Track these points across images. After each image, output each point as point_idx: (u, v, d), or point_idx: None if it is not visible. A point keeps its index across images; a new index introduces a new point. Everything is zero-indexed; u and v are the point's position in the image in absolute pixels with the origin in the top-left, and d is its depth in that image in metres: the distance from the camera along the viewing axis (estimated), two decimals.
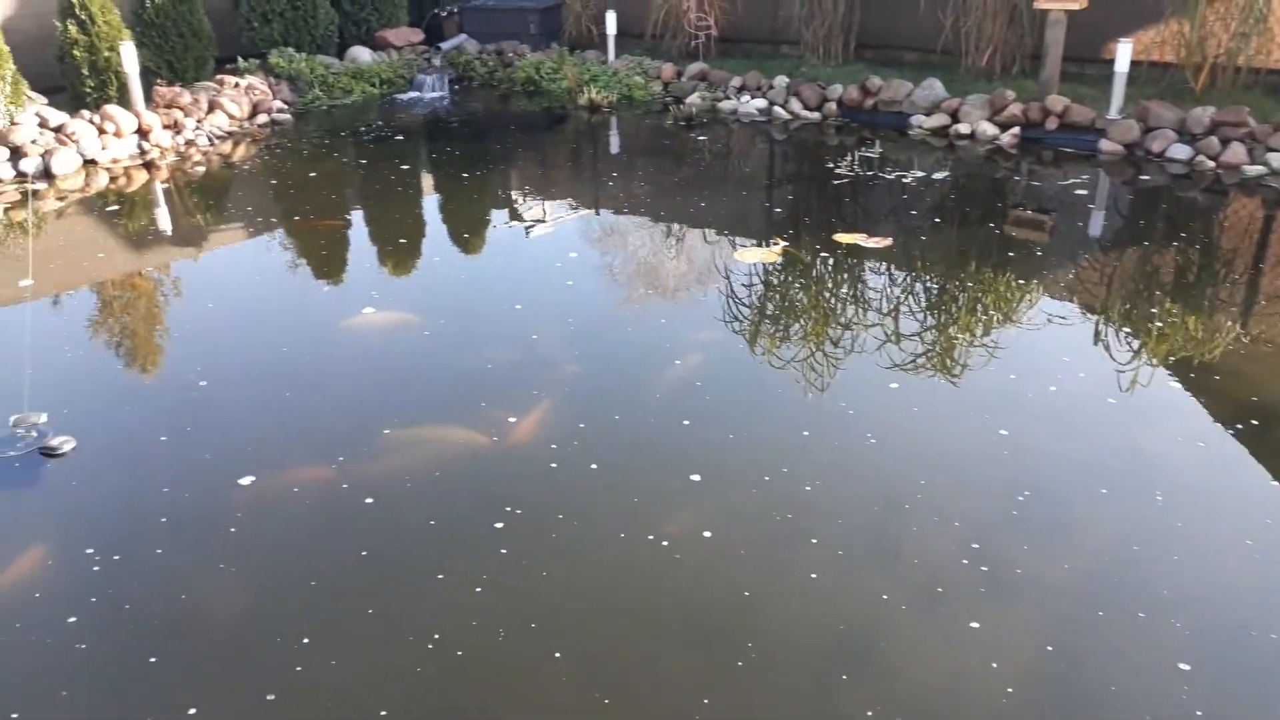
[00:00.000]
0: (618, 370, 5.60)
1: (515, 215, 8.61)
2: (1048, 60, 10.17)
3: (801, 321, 6.25)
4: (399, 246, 7.83)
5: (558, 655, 3.47)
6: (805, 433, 4.85)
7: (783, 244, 7.41)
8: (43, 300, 6.69)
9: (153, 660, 3.50)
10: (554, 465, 4.58)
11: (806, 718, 3.21)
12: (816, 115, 11.19)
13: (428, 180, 9.71)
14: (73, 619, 3.69)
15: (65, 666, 3.48)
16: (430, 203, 9.05)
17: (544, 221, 8.40)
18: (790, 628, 3.60)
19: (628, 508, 4.27)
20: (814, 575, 3.85)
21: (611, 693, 3.31)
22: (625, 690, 3.33)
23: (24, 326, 6.32)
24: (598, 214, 8.62)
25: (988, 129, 10.13)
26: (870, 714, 3.20)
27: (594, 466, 4.56)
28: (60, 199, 8.78)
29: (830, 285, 6.89)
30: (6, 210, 8.29)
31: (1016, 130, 10.01)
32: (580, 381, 5.41)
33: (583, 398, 5.22)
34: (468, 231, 8.35)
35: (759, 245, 7.48)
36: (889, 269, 6.98)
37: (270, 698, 3.32)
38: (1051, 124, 9.96)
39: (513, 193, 9.37)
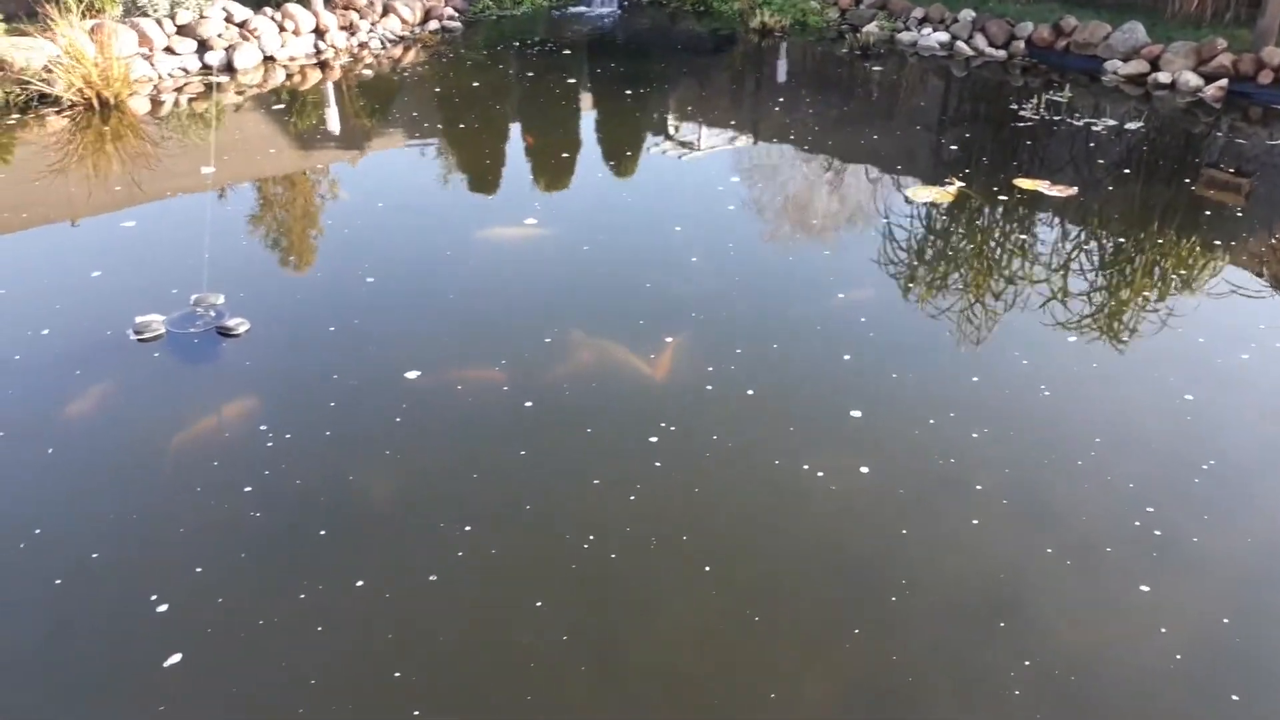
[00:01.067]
0: (775, 299, 5.60)
1: (672, 139, 8.61)
2: (1269, 7, 9.44)
3: (963, 270, 6.08)
4: (559, 161, 7.95)
5: (707, 569, 3.56)
6: (974, 378, 4.76)
7: (959, 184, 7.20)
8: (221, 189, 7.10)
9: (322, 533, 3.75)
10: (709, 387, 4.64)
11: (954, 664, 3.22)
12: (1002, 53, 10.73)
13: (588, 97, 9.78)
14: (248, 488, 3.98)
15: (242, 531, 3.77)
16: (589, 120, 9.12)
17: (700, 148, 8.37)
18: (944, 572, 3.59)
19: (783, 435, 4.31)
20: (974, 521, 3.82)
21: (760, 611, 3.38)
22: (773, 611, 3.40)
23: (204, 212, 6.73)
24: (757, 143, 8.54)
25: (1190, 79, 9.52)
26: (1027, 663, 3.18)
27: (750, 392, 4.60)
28: (239, 93, 9.25)
29: (999, 233, 6.67)
30: (190, 101, 8.80)
31: (1223, 83, 9.38)
32: (737, 307, 5.44)
33: (740, 323, 5.25)
34: (627, 151, 8.40)
35: (934, 185, 7.27)
36: (1062, 222, 6.70)
37: (432, 578, 3.53)
38: (1265, 78, 9.29)
39: (672, 115, 9.35)
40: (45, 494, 3.97)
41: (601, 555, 3.62)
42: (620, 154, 8.34)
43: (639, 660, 3.22)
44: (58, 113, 8.29)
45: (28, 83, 8.18)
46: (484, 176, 7.62)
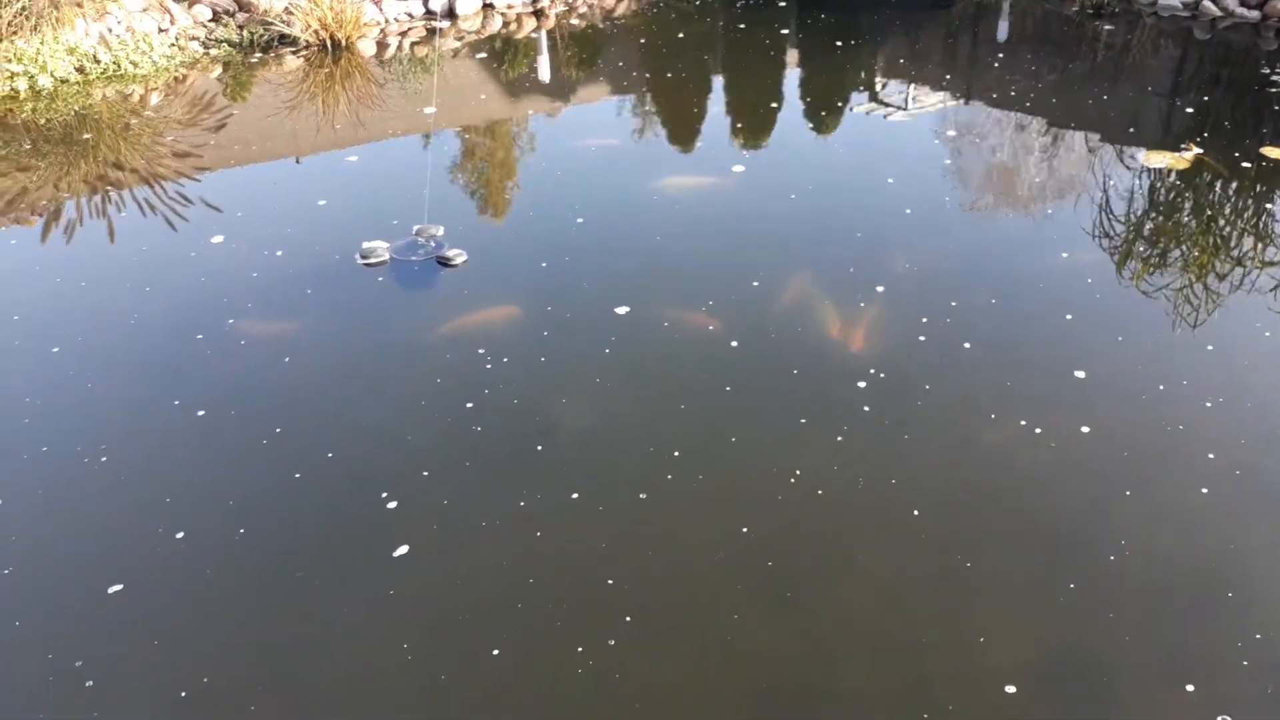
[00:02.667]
0: (989, 258, 5.49)
1: (879, 98, 8.47)
2: None
3: (1186, 246, 5.75)
4: (760, 116, 7.98)
5: (915, 513, 3.59)
6: (1209, 347, 4.56)
7: (1196, 150, 6.81)
8: (440, 129, 7.51)
9: (539, 449, 3.99)
10: (922, 338, 4.62)
11: (1170, 634, 3.14)
12: (1255, 14, 9.96)
13: (794, 51, 9.74)
14: (469, 405, 4.26)
15: (464, 442, 4.05)
16: (793, 75, 9.09)
17: (909, 108, 8.20)
18: (1167, 537, 3.49)
19: (1002, 391, 4.26)
20: (1204, 490, 3.68)
21: (964, 565, 3.39)
22: (978, 567, 3.40)
23: (424, 150, 7.15)
24: (969, 104, 8.29)
25: None
26: (1258, 637, 3.07)
27: (967, 345, 4.56)
28: (459, 38, 9.71)
29: (1229, 209, 6.26)
30: (413, 45, 9.32)
31: None
32: (950, 261, 5.37)
33: (954, 278, 5.18)
34: (831, 108, 8.33)
35: (1168, 150, 6.90)
36: None
37: (642, 496, 3.70)
38: None
39: (880, 73, 9.19)
40: (284, 399, 4.37)
41: (809, 491, 3.70)
42: (824, 111, 8.29)
43: (832, 601, 3.30)
44: (294, 53, 8.94)
45: (270, 24, 8.87)
46: (685, 128, 7.74)
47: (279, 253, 5.59)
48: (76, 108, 7.67)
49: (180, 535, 3.60)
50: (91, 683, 3.05)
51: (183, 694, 3.02)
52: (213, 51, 8.78)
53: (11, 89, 7.68)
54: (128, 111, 7.72)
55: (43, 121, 7.42)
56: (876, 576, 3.37)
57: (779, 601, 3.27)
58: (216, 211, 6.16)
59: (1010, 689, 2.96)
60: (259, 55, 8.87)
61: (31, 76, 7.76)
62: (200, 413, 4.26)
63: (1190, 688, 2.95)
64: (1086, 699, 2.94)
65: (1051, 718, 2.89)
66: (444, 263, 5.47)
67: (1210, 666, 3.02)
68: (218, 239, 5.78)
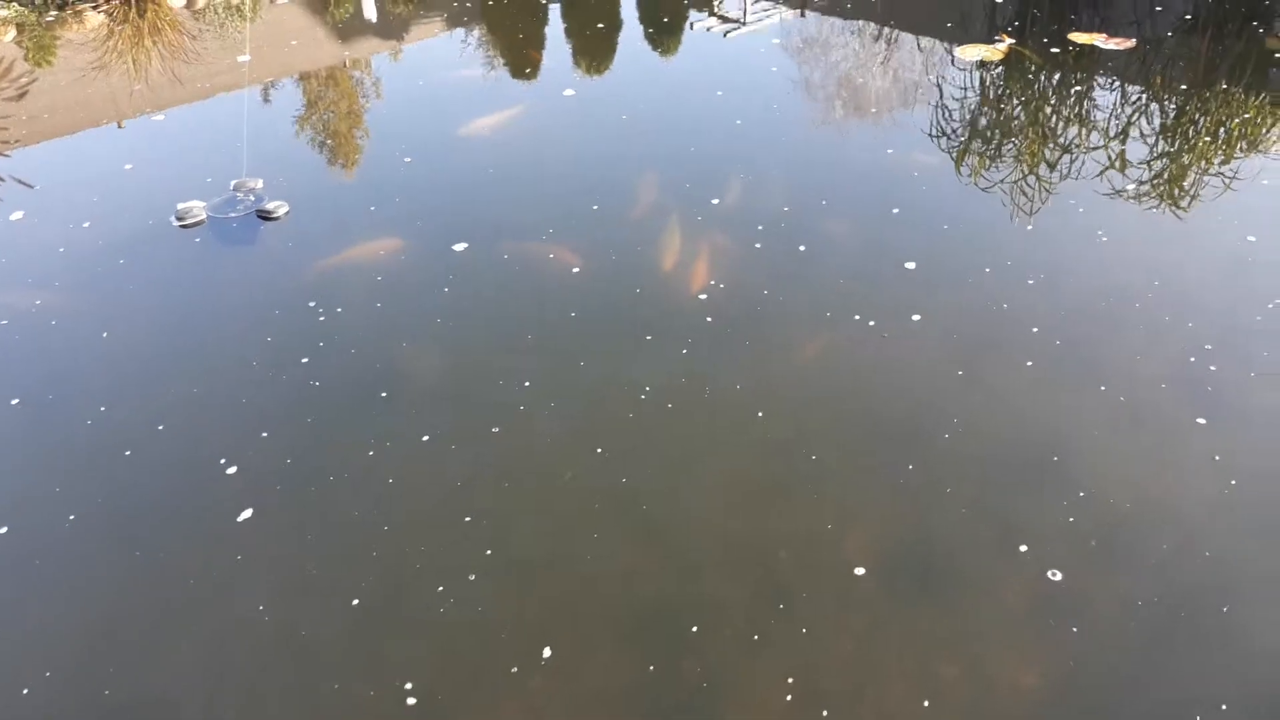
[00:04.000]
0: (824, 164, 5.55)
1: (717, 13, 8.42)
2: None
3: (1016, 139, 5.93)
4: (597, 42, 7.84)
5: (760, 415, 3.65)
6: (1029, 228, 4.73)
7: (1009, 41, 7.00)
8: (257, 80, 7.14)
9: (383, 395, 3.89)
10: (758, 245, 4.66)
11: (1007, 503, 3.28)
12: None
13: None
14: (304, 360, 4.11)
15: (303, 398, 3.91)
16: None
17: (746, 22, 8.18)
18: (996, 416, 3.64)
19: (836, 289, 4.34)
20: (1029, 364, 3.84)
21: (812, 450, 3.46)
22: (822, 452, 3.48)
23: (240, 104, 6.79)
24: (803, 14, 8.32)
25: None
26: (1081, 494, 3.24)
27: (802, 248, 4.61)
28: None
29: (1054, 97, 6.49)
30: None
31: None
32: (786, 171, 5.41)
33: (790, 187, 5.23)
34: (669, 28, 8.24)
35: (982, 44, 7.08)
36: (1122, 82, 6.50)
37: (494, 430, 3.65)
38: None
39: None
40: (107, 375, 4.12)
41: (658, 405, 3.71)
42: (663, 32, 8.19)
43: (685, 511, 3.34)
44: (94, 8, 8.33)
45: None
46: (522, 58, 7.56)
47: (85, 224, 5.25)
48: None
49: (3, 530, 3.38)
50: None
51: (22, 693, 2.85)
52: (3, 13, 8.11)
53: None
54: None
55: None
56: (727, 481, 3.42)
57: (636, 517, 3.28)
58: (29, 188, 5.73)
59: (859, 571, 3.05)
60: (55, 14, 8.23)
61: None
62: (14, 401, 3.99)
63: (1023, 548, 3.10)
64: (930, 571, 3.06)
65: (898, 591, 3.00)
66: (265, 216, 5.24)
67: (1040, 528, 3.17)
68: (17, 215, 5.38)
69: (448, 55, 7.71)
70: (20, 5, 8.15)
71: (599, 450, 3.55)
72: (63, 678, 2.90)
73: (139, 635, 3.01)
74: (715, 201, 5.06)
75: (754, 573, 3.08)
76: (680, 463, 3.51)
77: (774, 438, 3.56)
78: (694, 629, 2.91)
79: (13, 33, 7.88)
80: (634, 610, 3.00)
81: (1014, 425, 3.58)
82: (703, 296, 4.30)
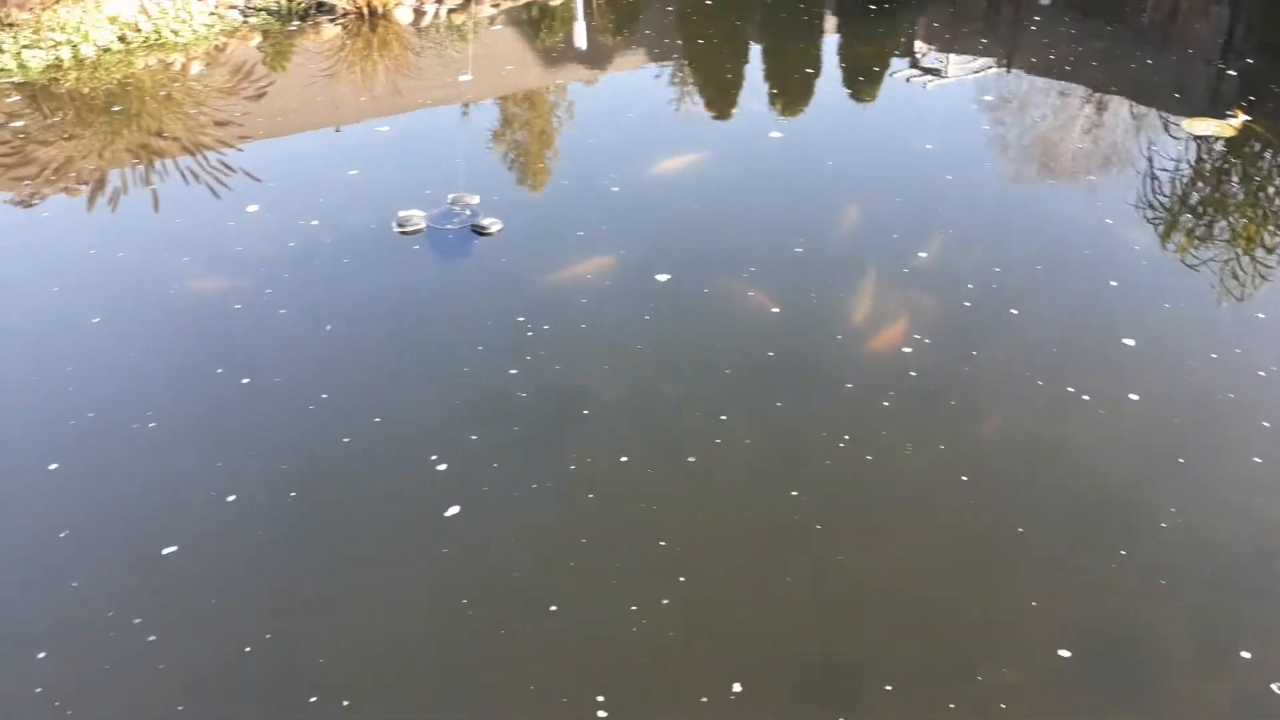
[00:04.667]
0: (1029, 224, 5.45)
1: (916, 64, 8.37)
2: None
3: (1233, 217, 5.66)
4: (797, 83, 7.91)
5: (964, 479, 3.60)
6: (1260, 315, 4.51)
7: (1243, 116, 6.69)
8: (474, 99, 7.51)
9: (585, 413, 4.04)
10: (967, 304, 4.61)
11: (1215, 613, 3.13)
12: None
13: (831, 18, 9.62)
14: (513, 371, 4.29)
15: (510, 407, 4.09)
16: (831, 42, 8.99)
17: (947, 75, 8.10)
18: (1221, 509, 3.47)
19: (1049, 357, 4.25)
20: (1258, 460, 3.66)
21: (1017, 522, 3.39)
22: (1026, 524, 3.40)
23: (461, 118, 7.15)
24: (1009, 70, 8.18)
25: None
26: None
27: (1014, 312, 4.54)
28: (495, 5, 9.64)
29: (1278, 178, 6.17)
30: (450, 12, 9.29)
31: None
32: (992, 229, 5.33)
33: (997, 245, 5.15)
34: (863, 76, 8.23)
35: (1212, 118, 6.79)
36: None
37: (691, 459, 3.73)
38: None
39: (918, 39, 9.08)
40: (328, 365, 4.40)
41: (857, 456, 3.71)
42: (862, 78, 8.19)
43: (877, 567, 3.32)
44: (331, 21, 8.93)
45: None
46: (723, 95, 7.70)
47: (314, 222, 5.62)
48: (119, 76, 7.71)
49: (231, 499, 3.65)
50: (154, 638, 3.12)
51: (247, 648, 3.07)
52: (251, 20, 8.79)
53: (55, 58, 7.73)
54: (169, 80, 7.76)
55: (86, 90, 7.47)
56: (923, 541, 3.38)
57: (830, 569, 3.28)
58: (257, 181, 6.18)
59: (1064, 653, 2.96)
60: (296, 23, 8.86)
61: (74, 45, 7.80)
62: (245, 380, 4.30)
63: (1246, 655, 2.94)
64: (1138, 666, 2.94)
65: (1101, 682, 2.89)
66: (479, 231, 5.48)
67: (1265, 635, 3.00)
68: (253, 208, 5.81)
69: (652, 87, 7.91)
70: (268, 15, 8.82)
71: (794, 493, 3.56)
72: (249, 652, 3.10)
73: (334, 614, 3.20)
74: (922, 255, 5.03)
75: (946, 640, 3.03)
76: (879, 518, 3.49)
77: (977, 503, 3.50)
78: (887, 688, 2.89)
79: (257, 39, 8.53)
80: (825, 660, 2.99)
81: (1239, 524, 3.41)
82: (907, 349, 4.28)
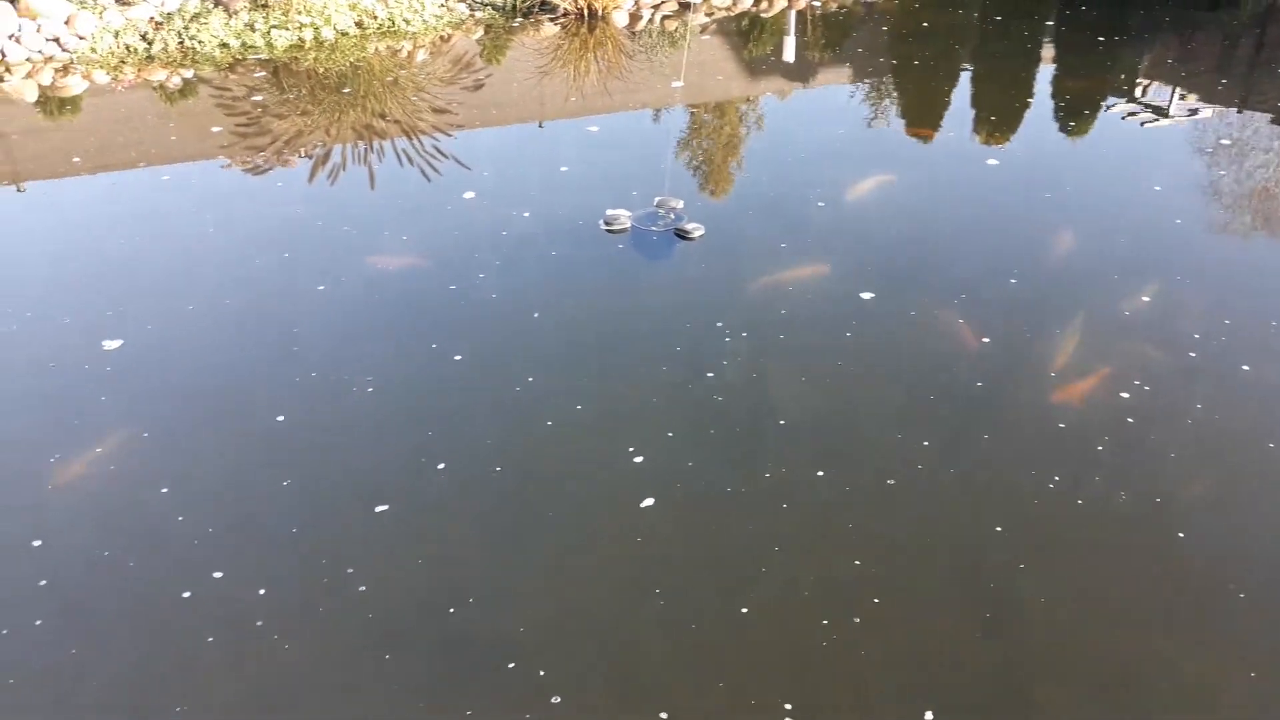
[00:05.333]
0: (1262, 278, 5.14)
1: (1140, 101, 8.01)
2: None
3: None
4: (1005, 112, 7.71)
5: (1180, 535, 3.43)
6: None
7: None
8: (683, 104, 7.65)
9: (781, 423, 4.06)
10: (1193, 355, 4.40)
11: None
12: None
13: (1050, 47, 9.34)
14: (710, 374, 4.36)
15: (706, 409, 4.15)
16: (1047, 71, 8.72)
17: (1171, 114, 7.71)
18: None
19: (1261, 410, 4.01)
20: None
21: (1240, 588, 3.22)
22: (1256, 591, 3.23)
23: (668, 123, 7.30)
24: (1240, 112, 7.73)
25: None
26: None
27: (1245, 368, 4.31)
28: (709, 14, 9.84)
29: None
30: (664, 19, 9.50)
31: None
32: (1221, 279, 5.08)
33: (1227, 295, 4.90)
34: (1085, 109, 7.94)
35: None
36: None
37: (890, 483, 3.70)
38: None
39: (1143, 74, 8.70)
40: (533, 351, 4.57)
41: (1067, 500, 3.60)
42: (1078, 111, 7.91)
43: (1073, 621, 3.20)
44: (552, 19, 9.29)
45: None
46: (925, 118, 7.58)
47: (525, 213, 5.85)
48: (352, 59, 8.24)
49: (441, 466, 3.85)
50: (364, 588, 3.33)
51: (450, 609, 3.25)
52: (478, 14, 9.23)
53: (299, 39, 8.33)
54: (395, 66, 8.23)
55: (322, 70, 8.01)
56: (1129, 594, 3.25)
57: (1025, 606, 3.21)
58: (465, 169, 6.48)
59: None
60: (519, 20, 9.25)
61: (317, 28, 8.39)
62: (457, 357, 4.52)
63: None
64: None
65: None
66: (682, 235, 5.59)
67: None
68: (469, 195, 6.09)
69: (855, 106, 7.87)
70: (494, 10, 9.24)
71: (998, 529, 3.49)
72: (451, 613, 3.26)
73: (534, 584, 3.33)
74: (1144, 298, 4.83)
75: (1134, 705, 2.92)
76: (1087, 569, 3.37)
77: (1188, 560, 3.34)
78: None
79: (480, 32, 8.94)
80: (1017, 700, 2.93)
81: None
82: (1124, 395, 4.12)
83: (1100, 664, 3.02)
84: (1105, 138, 7.35)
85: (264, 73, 7.96)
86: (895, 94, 8.11)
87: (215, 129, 7.08)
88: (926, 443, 3.90)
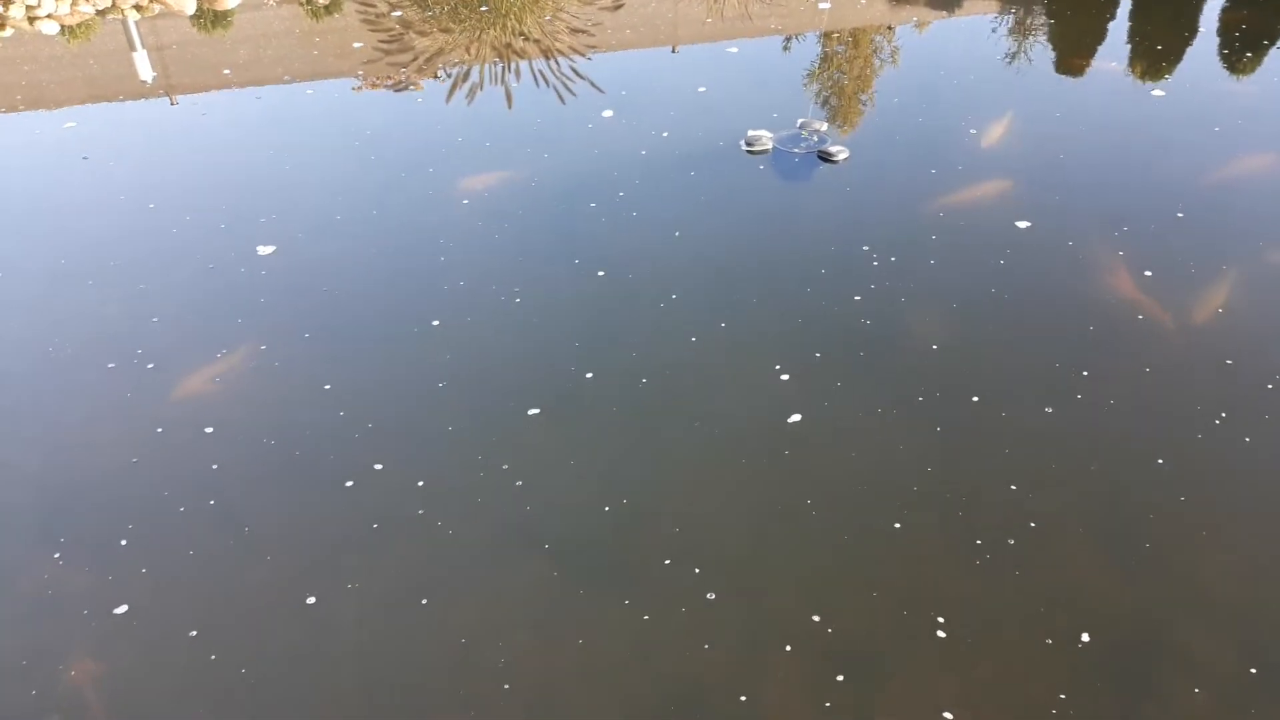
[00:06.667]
0: None
1: None
2: None
3: None
4: (1166, 48, 7.37)
5: None
6: None
7: None
8: (831, 27, 7.53)
9: (934, 347, 4.03)
10: None
11: None
12: None
13: None
14: (857, 297, 4.36)
15: (851, 332, 4.18)
16: (1215, 3, 8.28)
17: None
18: None
19: None
20: None
21: None
22: None
23: (811, 46, 7.20)
24: None
25: None
26: None
27: None
28: None
29: None
30: None
31: None
32: None
33: None
34: (1243, 45, 7.52)
35: None
36: None
37: (1052, 409, 3.68)
38: None
39: None
40: (675, 269, 4.63)
41: (1233, 436, 3.52)
42: (1243, 47, 7.49)
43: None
44: None
45: None
46: (1077, 52, 7.30)
47: (665, 134, 5.87)
48: None
49: (589, 375, 3.96)
50: (520, 483, 3.47)
51: (606, 508, 3.37)
52: None
53: None
54: None
55: None
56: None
57: (1185, 538, 3.18)
58: (600, 92, 6.51)
59: None
60: None
61: None
62: (600, 273, 4.61)
63: None
64: None
65: None
66: (825, 158, 5.55)
67: None
68: (608, 113, 6.13)
69: (999, 36, 7.62)
70: None
71: (1159, 461, 3.45)
72: (607, 511, 3.37)
73: (685, 490, 3.43)
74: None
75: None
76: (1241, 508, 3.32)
77: None
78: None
79: None
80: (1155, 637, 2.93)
81: None
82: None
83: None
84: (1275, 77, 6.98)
85: None
86: (1051, 21, 7.82)
87: (356, 45, 7.26)
88: (1085, 373, 3.85)
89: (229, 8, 7.94)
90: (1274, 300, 4.28)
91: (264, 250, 4.84)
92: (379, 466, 3.58)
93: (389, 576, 3.20)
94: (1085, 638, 2.89)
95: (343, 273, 4.69)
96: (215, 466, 3.62)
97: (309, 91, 6.68)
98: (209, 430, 3.78)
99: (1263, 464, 3.45)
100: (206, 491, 3.51)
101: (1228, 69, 7.03)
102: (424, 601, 3.11)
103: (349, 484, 3.52)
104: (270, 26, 7.67)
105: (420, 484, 3.51)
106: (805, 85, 6.67)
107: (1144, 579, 3.08)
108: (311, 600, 3.13)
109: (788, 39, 7.43)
